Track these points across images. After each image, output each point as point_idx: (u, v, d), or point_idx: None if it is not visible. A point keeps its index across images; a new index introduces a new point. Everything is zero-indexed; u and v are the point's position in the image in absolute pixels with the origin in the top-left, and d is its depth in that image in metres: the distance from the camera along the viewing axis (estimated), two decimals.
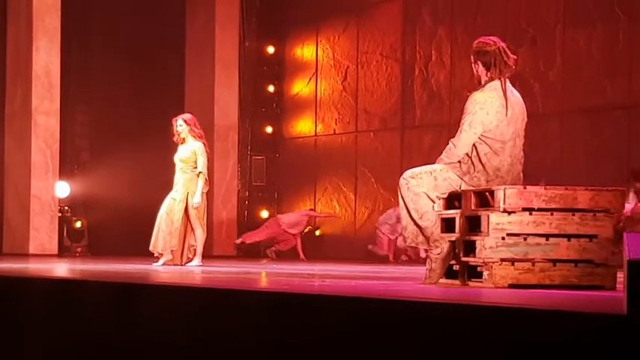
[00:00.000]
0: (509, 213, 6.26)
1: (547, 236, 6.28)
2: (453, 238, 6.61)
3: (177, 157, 11.56)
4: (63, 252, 17.06)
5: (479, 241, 6.30)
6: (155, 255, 11.49)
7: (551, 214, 6.30)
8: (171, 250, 11.37)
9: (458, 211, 6.59)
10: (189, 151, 11.44)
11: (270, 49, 19.41)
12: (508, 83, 6.75)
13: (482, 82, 6.77)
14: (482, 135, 6.66)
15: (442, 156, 6.82)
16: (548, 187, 6.41)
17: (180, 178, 11.49)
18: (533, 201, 6.30)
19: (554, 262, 6.27)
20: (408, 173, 6.79)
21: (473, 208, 6.50)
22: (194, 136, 11.51)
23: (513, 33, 14.79)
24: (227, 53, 18.55)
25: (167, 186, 11.89)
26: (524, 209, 6.29)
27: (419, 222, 6.70)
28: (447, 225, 6.67)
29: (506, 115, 6.67)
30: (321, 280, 7.50)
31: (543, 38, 14.92)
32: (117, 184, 18.04)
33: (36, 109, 16.51)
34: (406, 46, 17.03)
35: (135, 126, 18.37)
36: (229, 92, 18.57)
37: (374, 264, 13.48)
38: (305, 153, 18.77)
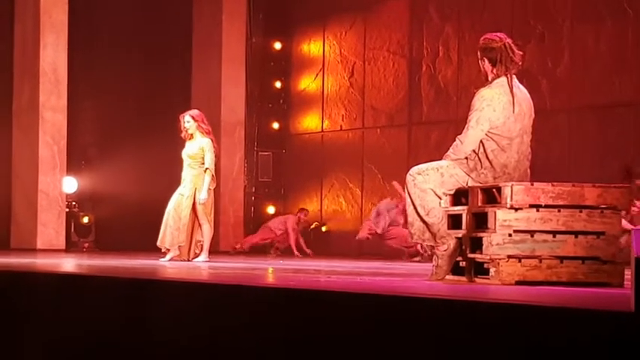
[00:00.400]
0: (516, 209, 6.26)
1: (554, 233, 6.27)
2: (460, 235, 6.61)
3: (185, 153, 11.56)
4: (70, 247, 17.09)
5: (486, 237, 6.30)
6: (162, 250, 11.49)
7: (559, 211, 6.29)
8: (179, 246, 11.38)
9: (464, 207, 6.58)
10: (197, 147, 11.44)
11: (277, 45, 19.40)
12: (515, 79, 6.74)
13: (489, 79, 6.77)
14: (489, 131, 6.65)
15: (449, 152, 6.82)
16: (555, 183, 6.39)
17: (188, 174, 11.50)
18: (540, 198, 6.29)
19: (562, 258, 6.26)
20: (414, 170, 6.79)
21: (480, 204, 6.49)
22: (202, 132, 11.51)
23: (521, 29, 14.77)
24: (234, 49, 18.55)
25: (174, 182, 11.90)
26: (532, 206, 6.28)
27: (425, 218, 6.70)
28: (454, 221, 6.66)
29: (514, 112, 6.66)
30: (327, 277, 7.51)
31: (551, 34, 14.90)
32: (124, 179, 18.05)
33: (43, 105, 16.53)
34: (413, 42, 17.01)
35: (142, 121, 18.38)
36: (236, 88, 18.58)
37: (380, 260, 13.47)
38: (312, 149, 18.77)
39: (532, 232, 6.26)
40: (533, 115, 6.84)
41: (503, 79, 6.70)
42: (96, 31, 18.36)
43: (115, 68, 18.23)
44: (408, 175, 6.78)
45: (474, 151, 6.71)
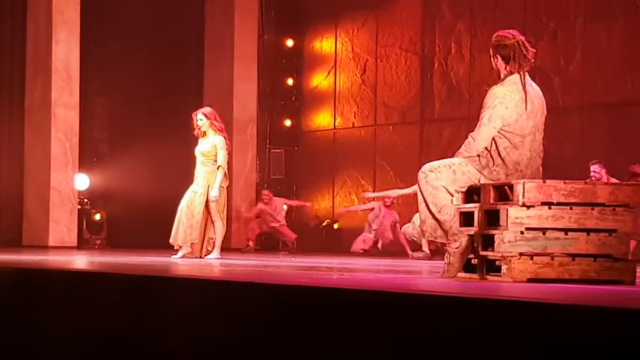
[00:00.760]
0: (529, 207, 6.25)
1: (566, 230, 6.26)
2: (472, 232, 6.60)
3: (197, 151, 11.57)
4: (82, 244, 17.12)
5: (497, 235, 6.29)
6: (175, 248, 11.51)
7: (571, 209, 6.28)
8: (192, 243, 11.39)
9: (476, 204, 6.57)
10: (210, 145, 11.45)
11: (289, 43, 19.41)
12: (527, 77, 6.73)
13: (502, 76, 6.75)
14: (501, 129, 6.64)
15: (461, 150, 6.81)
16: (567, 180, 6.38)
17: (201, 172, 11.51)
18: (552, 195, 6.28)
19: (573, 256, 6.25)
20: (426, 167, 6.78)
21: (492, 202, 6.48)
22: (215, 130, 11.52)
23: (533, 27, 14.76)
24: (246, 46, 18.56)
25: (186, 179, 11.91)
26: (544, 203, 6.27)
27: (437, 216, 6.69)
28: (466, 219, 6.65)
29: (526, 109, 6.65)
30: (339, 274, 7.50)
31: (563, 32, 14.88)
32: (136, 176, 18.08)
33: (55, 102, 16.57)
34: (425, 39, 17.00)
35: (154, 119, 18.40)
36: (248, 85, 18.60)
37: (392, 257, 13.46)
38: (324, 146, 18.78)
39: (544, 230, 6.25)
40: (545, 113, 6.83)
41: (515, 77, 6.69)
42: (108, 29, 18.38)
43: (127, 65, 18.25)
44: (420, 172, 6.77)
45: (486, 148, 6.70)
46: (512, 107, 6.63)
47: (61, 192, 16.57)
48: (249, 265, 9.55)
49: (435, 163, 6.78)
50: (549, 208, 6.27)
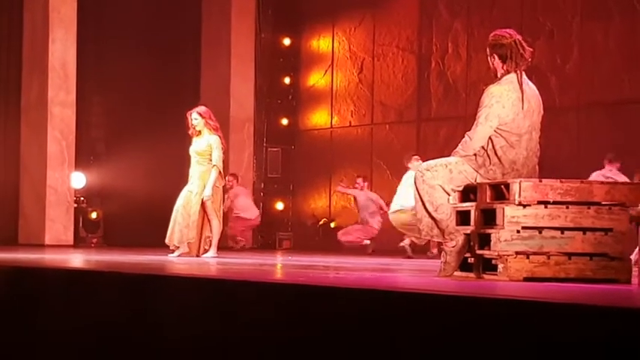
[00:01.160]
0: (525, 206, 6.25)
1: (562, 229, 6.27)
2: (468, 231, 6.61)
3: (192, 150, 11.55)
4: (78, 243, 17.11)
5: (494, 234, 6.29)
6: (171, 248, 11.49)
7: (567, 208, 6.29)
8: (188, 243, 11.38)
9: (473, 203, 6.58)
10: (205, 144, 11.43)
11: (286, 41, 19.41)
12: (524, 76, 6.73)
13: (499, 75, 6.76)
14: (498, 128, 6.65)
15: (458, 149, 6.81)
16: (563, 180, 6.39)
17: (195, 171, 11.49)
18: (548, 194, 6.29)
19: (570, 255, 6.26)
20: (423, 166, 6.79)
21: (488, 200, 6.48)
22: (210, 129, 11.49)
23: (530, 26, 14.76)
24: (243, 45, 18.57)
25: (182, 177, 11.90)
26: (540, 202, 6.27)
27: (434, 215, 6.69)
28: (462, 218, 6.66)
29: (523, 108, 6.66)
30: (336, 273, 7.51)
31: (560, 31, 14.89)
32: (132, 175, 18.07)
33: (52, 101, 16.56)
34: (422, 38, 17.01)
35: (151, 117, 18.39)
36: (245, 84, 18.60)
37: (389, 257, 13.46)
38: (320, 145, 18.78)
39: (540, 229, 6.26)
40: (542, 112, 6.84)
41: (512, 76, 6.69)
42: (105, 27, 18.38)
43: (123, 64, 18.24)
44: (416, 171, 6.78)
45: (482, 147, 6.71)
46: (509, 106, 6.63)
47: (57, 190, 16.56)
48: (246, 263, 9.54)
49: (432, 162, 6.78)
50: (545, 207, 6.27)
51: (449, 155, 6.87)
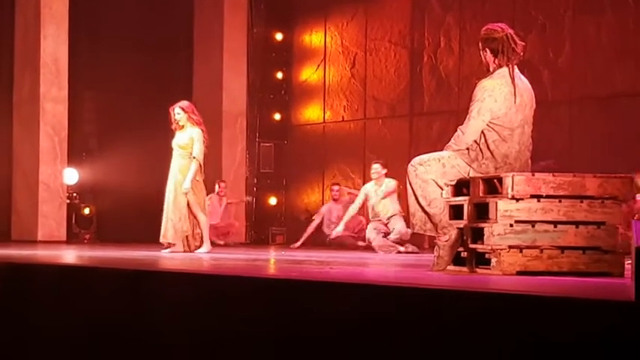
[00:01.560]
0: (518, 200, 6.26)
1: (555, 223, 6.28)
2: (461, 225, 6.61)
3: (175, 143, 11.50)
4: (71, 239, 17.09)
5: (487, 228, 6.30)
6: (165, 245, 11.46)
7: (560, 201, 6.30)
8: (186, 237, 11.32)
9: (466, 198, 6.58)
10: (188, 137, 11.39)
11: (279, 36, 19.39)
12: (516, 70, 6.74)
13: (491, 69, 6.76)
14: (490, 122, 6.65)
15: (450, 143, 6.81)
16: (556, 173, 6.39)
17: (175, 164, 11.44)
18: (541, 188, 6.29)
19: (563, 249, 6.27)
20: (416, 160, 6.79)
21: (481, 195, 6.49)
22: (193, 123, 11.46)
23: (522, 20, 14.76)
24: (235, 40, 18.54)
25: None
26: (533, 196, 6.28)
27: (427, 209, 6.70)
28: (455, 212, 6.66)
29: (515, 102, 6.66)
30: (329, 267, 7.51)
31: (552, 25, 14.89)
32: (125, 170, 18.04)
33: (44, 96, 16.53)
34: (415, 32, 17.00)
35: (143, 112, 18.35)
36: (237, 79, 18.57)
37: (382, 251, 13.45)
38: (313, 140, 18.77)
39: (533, 223, 6.26)
40: (534, 106, 6.84)
41: (504, 70, 6.70)
42: (97, 22, 18.34)
43: (116, 59, 18.21)
44: (409, 165, 6.78)
45: (475, 141, 6.71)
46: (502, 100, 6.64)
47: (49, 186, 16.53)
48: (240, 259, 9.54)
49: (425, 157, 6.78)
50: (538, 201, 6.28)
51: (441, 149, 6.87)
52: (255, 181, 19.09)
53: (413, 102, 17.01)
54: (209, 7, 18.60)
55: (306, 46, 19.13)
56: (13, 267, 7.52)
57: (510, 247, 6.22)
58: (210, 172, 17.85)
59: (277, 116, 19.34)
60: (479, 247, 6.42)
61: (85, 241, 17.34)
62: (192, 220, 11.41)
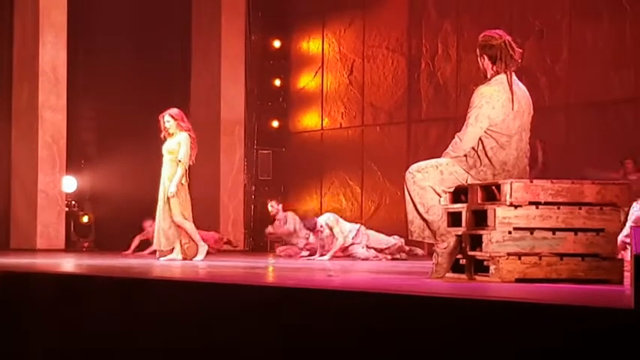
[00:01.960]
0: (516, 207, 6.26)
1: (554, 230, 6.27)
2: (460, 232, 6.61)
3: (164, 149, 11.55)
4: (70, 247, 17.08)
5: (485, 235, 6.29)
6: (157, 254, 11.46)
7: (558, 208, 6.30)
8: (184, 246, 11.31)
9: (464, 205, 6.58)
10: (176, 143, 11.44)
11: (277, 43, 19.39)
12: (514, 77, 6.74)
13: (488, 76, 6.76)
14: (488, 129, 6.65)
15: (448, 150, 6.82)
16: (554, 180, 6.39)
17: (165, 172, 11.48)
18: (539, 195, 6.29)
19: (561, 256, 6.26)
20: (414, 167, 6.79)
21: (479, 202, 6.49)
22: (181, 130, 11.51)
23: (520, 26, 14.77)
24: (233, 47, 18.54)
25: None
26: (531, 203, 6.28)
27: (425, 216, 6.70)
28: (454, 219, 6.66)
29: (513, 109, 6.66)
30: (328, 275, 7.50)
31: (550, 31, 14.90)
32: (124, 178, 18.03)
33: (42, 105, 16.53)
34: (412, 39, 17.01)
35: (141, 120, 18.31)
36: (235, 86, 18.57)
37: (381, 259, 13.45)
38: (311, 147, 18.76)
39: (532, 230, 6.26)
40: (532, 113, 6.85)
41: (502, 77, 6.70)
42: (95, 31, 18.34)
43: (114, 67, 18.21)
44: (407, 172, 6.78)
45: (473, 148, 6.71)
46: (499, 107, 6.64)
47: (48, 194, 16.52)
48: (239, 266, 9.54)
49: (423, 164, 6.78)
50: (537, 208, 6.28)
51: (439, 156, 6.87)
52: (254, 188, 19.08)
53: (411, 109, 17.01)
54: (207, 14, 18.61)
55: (303, 53, 19.14)
56: (12, 275, 7.51)
57: (509, 254, 6.22)
58: (209, 179, 17.91)
59: (275, 123, 19.34)
60: (477, 254, 6.42)
61: (84, 250, 17.33)
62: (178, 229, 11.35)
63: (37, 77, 16.53)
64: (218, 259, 11.71)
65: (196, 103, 18.19)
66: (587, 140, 14.18)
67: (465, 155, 6.73)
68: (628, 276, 6.10)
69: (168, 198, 11.28)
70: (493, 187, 6.48)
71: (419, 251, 13.58)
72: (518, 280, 6.17)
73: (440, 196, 6.71)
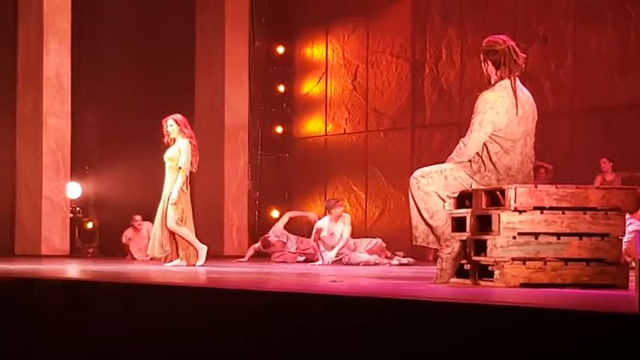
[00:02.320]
0: (521, 212, 6.25)
1: (558, 235, 6.27)
2: (464, 238, 6.60)
3: (166, 156, 11.57)
4: (74, 253, 17.09)
5: (490, 240, 6.29)
6: (149, 259, 11.47)
7: (563, 213, 6.29)
8: (191, 253, 11.31)
9: (469, 210, 6.58)
10: (177, 150, 11.45)
11: (280, 49, 19.40)
12: (518, 82, 6.74)
13: (492, 81, 6.76)
14: (492, 134, 6.65)
15: (452, 155, 6.81)
16: (559, 185, 6.38)
17: (167, 180, 11.50)
18: (544, 200, 6.29)
19: (566, 261, 6.26)
20: (418, 172, 6.78)
21: (484, 207, 6.49)
22: (183, 137, 11.52)
23: (524, 31, 14.78)
24: (237, 53, 18.55)
25: None
26: (536, 208, 6.27)
27: (429, 221, 6.69)
28: (458, 224, 6.66)
29: (517, 114, 6.66)
30: (331, 280, 7.50)
31: (554, 36, 14.89)
32: (128, 184, 18.04)
33: (47, 111, 16.54)
34: (416, 45, 17.01)
35: (145, 126, 18.31)
36: (239, 92, 18.57)
37: (384, 264, 13.46)
38: (315, 153, 18.77)
39: (536, 235, 6.26)
40: (536, 118, 6.84)
41: (506, 82, 6.70)
42: (99, 38, 18.37)
43: (118, 73, 18.23)
44: (411, 178, 6.77)
45: (477, 153, 6.71)
46: (503, 112, 6.64)
47: (53, 200, 16.54)
48: (241, 272, 9.53)
49: (427, 169, 6.78)
50: (541, 213, 6.27)
51: (443, 162, 6.87)
52: (258, 194, 19.08)
53: (415, 114, 17.01)
54: (210, 21, 18.62)
55: (307, 59, 19.15)
56: (17, 282, 7.52)
57: (513, 259, 6.22)
58: (213, 185, 17.91)
59: (279, 129, 19.35)
60: (482, 259, 6.42)
61: (88, 255, 17.34)
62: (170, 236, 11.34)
63: (41, 84, 16.55)
64: (221, 265, 11.70)
65: (200, 109, 18.19)
66: (592, 145, 14.16)
67: (470, 160, 6.73)
68: (633, 280, 6.11)
69: (167, 205, 11.29)
70: (497, 193, 6.48)
71: (400, 254, 13.62)
72: (522, 285, 6.16)
73: (444, 202, 6.71)
